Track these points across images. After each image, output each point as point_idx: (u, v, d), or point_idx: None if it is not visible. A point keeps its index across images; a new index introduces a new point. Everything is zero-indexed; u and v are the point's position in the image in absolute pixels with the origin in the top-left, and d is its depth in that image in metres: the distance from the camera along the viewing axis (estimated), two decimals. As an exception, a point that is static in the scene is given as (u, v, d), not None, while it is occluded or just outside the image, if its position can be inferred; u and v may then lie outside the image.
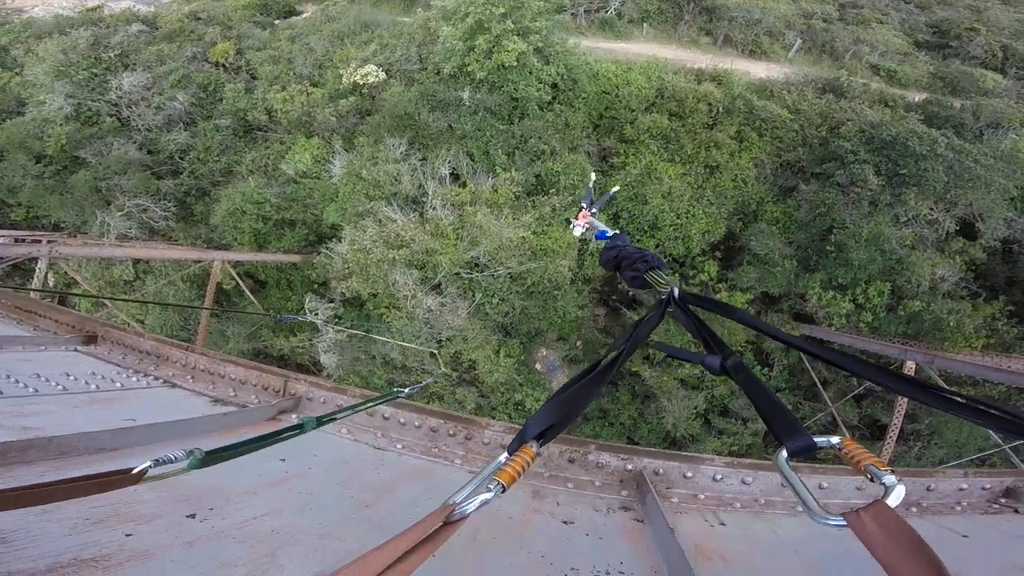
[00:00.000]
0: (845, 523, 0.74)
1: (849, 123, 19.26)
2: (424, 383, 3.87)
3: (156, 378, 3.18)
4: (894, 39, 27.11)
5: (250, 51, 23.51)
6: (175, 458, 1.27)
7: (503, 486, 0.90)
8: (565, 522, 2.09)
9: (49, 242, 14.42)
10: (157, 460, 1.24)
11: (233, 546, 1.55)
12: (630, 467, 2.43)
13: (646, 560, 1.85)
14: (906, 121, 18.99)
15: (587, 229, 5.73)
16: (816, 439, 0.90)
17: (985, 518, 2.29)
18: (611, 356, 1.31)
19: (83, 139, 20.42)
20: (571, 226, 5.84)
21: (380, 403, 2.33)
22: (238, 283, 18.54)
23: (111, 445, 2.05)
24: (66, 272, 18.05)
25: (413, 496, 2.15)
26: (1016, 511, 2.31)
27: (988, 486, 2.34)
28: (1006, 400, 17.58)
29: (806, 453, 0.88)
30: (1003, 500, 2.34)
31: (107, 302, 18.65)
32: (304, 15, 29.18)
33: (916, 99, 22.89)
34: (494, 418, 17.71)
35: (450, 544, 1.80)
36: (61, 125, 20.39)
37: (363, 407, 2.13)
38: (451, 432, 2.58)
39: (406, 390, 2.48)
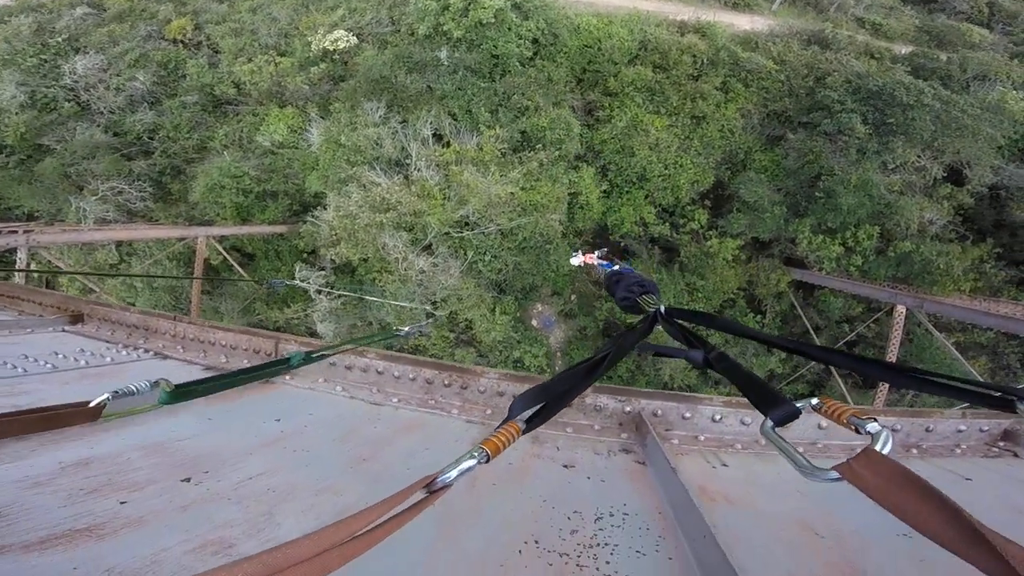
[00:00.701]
0: (839, 476, 0.76)
1: (835, 74, 19.28)
2: (425, 323, 3.86)
3: (146, 351, 3.13)
4: None
5: (209, 25, 22.50)
6: (137, 389, 1.22)
7: (488, 454, 0.90)
8: (566, 466, 2.10)
9: (25, 231, 14.07)
10: (116, 392, 1.19)
11: (229, 507, 1.54)
12: (628, 409, 2.43)
13: (649, 501, 1.86)
14: (892, 72, 19.11)
15: (587, 265, 6.62)
16: (797, 403, 0.93)
17: (985, 461, 2.30)
18: (598, 356, 1.32)
19: (43, 126, 19.81)
20: (572, 255, 6.70)
21: (378, 340, 2.31)
22: (225, 257, 18.34)
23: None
24: (49, 261, 17.73)
25: (411, 448, 2.15)
26: (1016, 455, 2.33)
27: (986, 428, 2.34)
28: (995, 346, 18.13)
29: (790, 420, 0.92)
30: (1001, 443, 2.36)
31: (96, 287, 18.43)
32: None
33: (902, 52, 22.92)
34: (492, 376, 18.03)
35: (449, 492, 1.81)
36: (17, 114, 19.67)
37: (360, 342, 2.10)
38: (446, 382, 2.56)
39: (406, 328, 2.44)
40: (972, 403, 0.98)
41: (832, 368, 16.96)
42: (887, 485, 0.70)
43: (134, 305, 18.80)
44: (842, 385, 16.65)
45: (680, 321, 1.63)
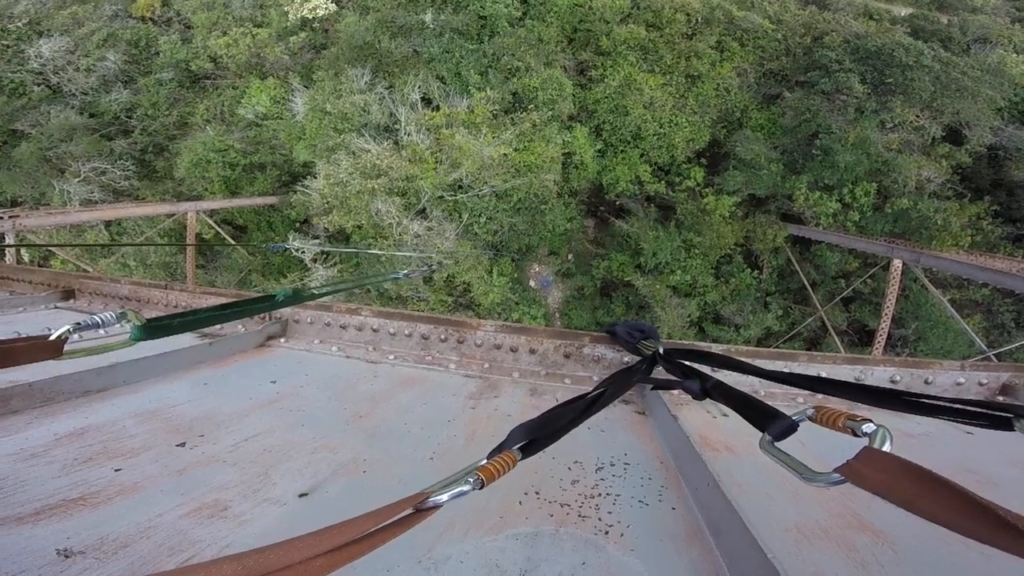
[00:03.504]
0: (842, 478, 0.77)
1: (833, 34, 19.13)
2: (429, 266, 3.82)
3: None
4: None
5: (177, 1, 21.78)
6: (102, 321, 1.18)
7: (483, 481, 0.88)
8: None
9: (11, 216, 13.89)
10: (79, 323, 1.15)
11: (224, 469, 1.53)
12: (627, 360, 2.41)
13: (651, 450, 1.86)
14: (891, 33, 18.89)
15: None
16: (793, 416, 0.97)
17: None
18: (597, 392, 1.38)
19: (14, 112, 19.33)
20: None
21: (376, 281, 2.27)
22: (217, 231, 18.17)
23: (98, 386, 2.01)
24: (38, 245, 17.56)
25: (409, 402, 2.14)
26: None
27: (985, 381, 2.31)
28: (990, 303, 18.11)
29: (788, 434, 0.97)
30: (1001, 398, 2.33)
31: (88, 267, 18.26)
32: None
33: (902, 13, 22.66)
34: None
35: (448, 447, 1.82)
36: None
37: (355, 285, 2.06)
38: (443, 337, 2.54)
39: (404, 271, 2.40)
40: (970, 423, 0.97)
41: (828, 325, 17.15)
42: (891, 480, 0.71)
43: (131, 275, 18.74)
44: (838, 342, 16.82)
45: (679, 360, 1.74)
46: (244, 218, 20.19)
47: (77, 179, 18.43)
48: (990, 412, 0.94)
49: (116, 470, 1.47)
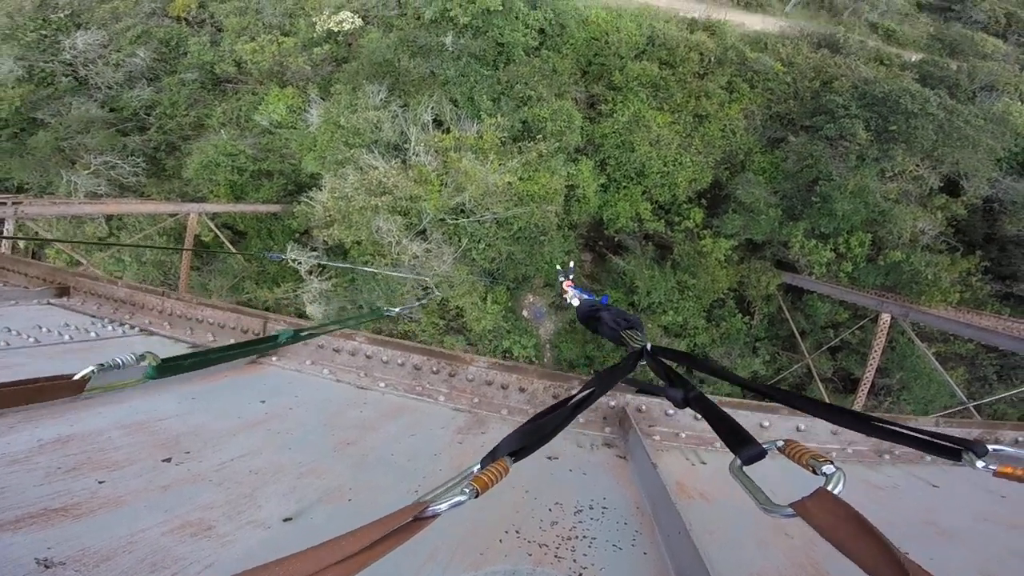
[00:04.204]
0: (795, 513, 0.84)
1: (842, 78, 19.28)
2: (420, 302, 3.83)
3: (132, 327, 3.08)
4: None
5: (213, 3, 22.19)
6: (123, 362, 1.21)
7: (477, 491, 0.93)
8: (549, 457, 2.11)
9: (14, 203, 13.94)
10: (102, 364, 1.18)
11: (210, 488, 1.53)
12: (613, 404, 2.45)
13: (629, 495, 1.89)
14: (900, 79, 19.09)
15: (575, 291, 6.88)
16: (764, 445, 1.03)
17: (955, 469, 2.33)
18: (584, 394, 1.41)
19: (39, 100, 19.55)
20: (565, 298, 6.96)
21: (368, 321, 2.30)
22: (216, 234, 18.18)
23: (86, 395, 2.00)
24: (36, 232, 17.51)
25: (396, 433, 2.15)
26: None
27: (957, 436, 2.36)
28: (974, 357, 18.29)
29: (756, 459, 1.02)
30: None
31: (83, 260, 18.19)
32: None
33: (912, 59, 22.68)
34: (481, 366, 18.06)
35: (433, 481, 1.83)
36: (13, 88, 19.42)
37: (348, 323, 2.09)
38: (435, 369, 2.56)
39: (396, 309, 2.43)
40: (925, 451, 1.04)
41: (814, 373, 17.23)
42: (834, 522, 0.78)
43: (122, 277, 18.69)
44: (822, 389, 16.90)
45: (664, 359, 1.74)
46: (245, 224, 20.23)
47: (87, 171, 18.49)
48: (944, 443, 1.01)
49: (100, 482, 1.46)
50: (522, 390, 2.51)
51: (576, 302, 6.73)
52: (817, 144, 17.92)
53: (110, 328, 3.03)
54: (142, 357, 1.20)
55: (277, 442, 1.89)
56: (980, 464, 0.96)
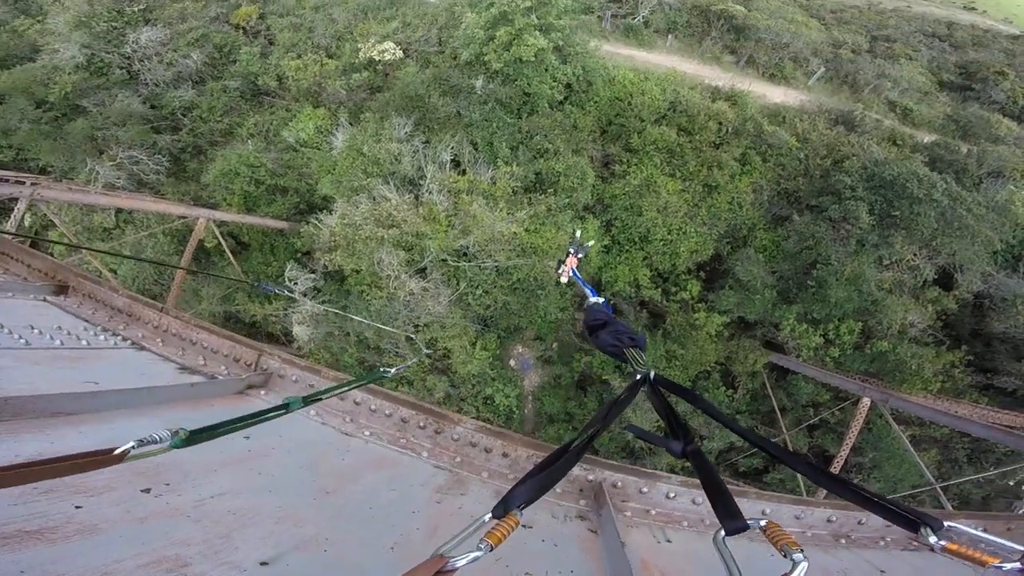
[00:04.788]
0: None
1: (854, 158, 19.45)
2: (409, 363, 3.83)
3: (124, 338, 3.05)
4: (918, 76, 27.17)
5: (273, 16, 23.25)
6: (159, 438, 1.24)
7: (491, 546, 0.97)
8: (524, 526, 2.10)
9: (33, 184, 14.12)
10: (141, 440, 1.22)
11: (187, 525, 1.52)
12: (591, 478, 2.46)
13: (596, 569, 1.90)
14: (910, 161, 19.20)
15: (569, 277, 6.26)
16: (748, 521, 1.07)
17: (904, 554, 2.43)
18: (588, 434, 1.45)
19: (89, 88, 20.15)
20: (559, 271, 6.35)
21: (367, 383, 2.31)
22: (220, 243, 18.25)
23: (70, 409, 1.95)
24: (44, 214, 17.56)
25: (376, 485, 2.14)
26: (932, 550, 2.38)
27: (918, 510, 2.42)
28: (947, 440, 18.42)
29: (739, 532, 1.06)
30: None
31: (82, 247, 18.15)
32: None
33: (925, 140, 22.93)
34: (461, 409, 17.78)
35: (409, 539, 1.81)
36: (70, 74, 20.12)
37: (351, 387, 2.10)
38: (421, 424, 2.56)
39: (392, 370, 2.44)
40: (890, 520, 1.09)
41: (790, 448, 17.07)
42: None
43: (116, 272, 18.58)
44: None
45: (664, 392, 1.74)
46: (249, 236, 20.33)
47: (111, 162, 18.83)
48: (905, 514, 1.07)
49: (77, 507, 1.44)
50: (505, 455, 2.51)
51: (564, 279, 6.28)
52: (820, 225, 18.18)
53: (102, 338, 3.00)
54: (176, 433, 1.24)
55: (258, 483, 1.88)
56: (933, 539, 1.00)
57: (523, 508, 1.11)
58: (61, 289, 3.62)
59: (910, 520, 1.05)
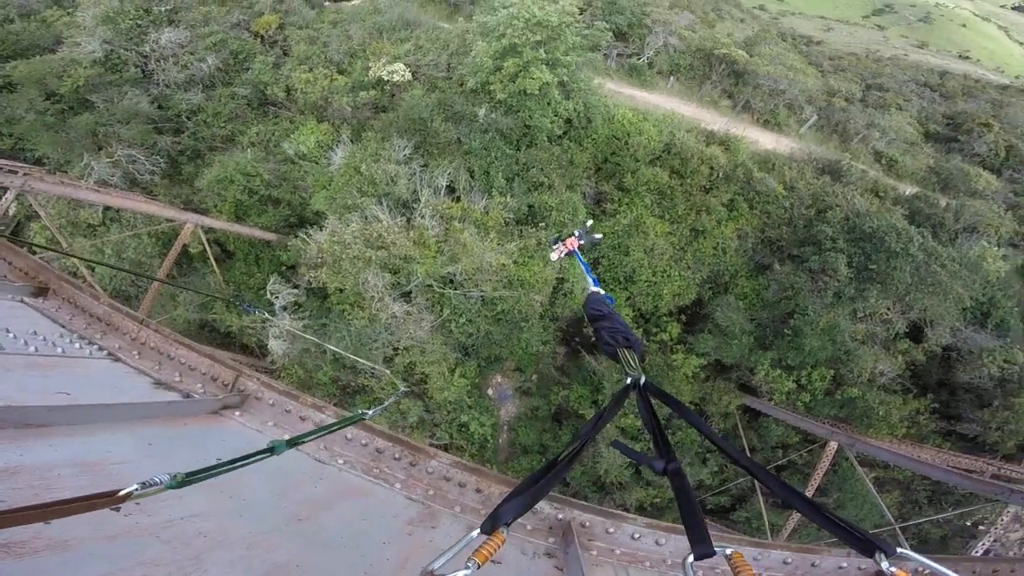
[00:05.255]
0: None
1: (837, 208, 20.12)
2: (387, 403, 3.81)
3: (100, 348, 2.99)
4: (906, 126, 28.09)
5: (291, 27, 23.54)
6: (161, 481, 1.28)
7: (478, 564, 1.00)
8: (494, 561, 2.12)
9: (25, 174, 14.01)
10: (144, 483, 1.25)
11: (156, 545, 1.51)
12: (561, 516, 2.50)
13: None
14: (890, 214, 19.98)
15: (564, 255, 6.17)
16: (716, 548, 1.12)
17: None
18: (574, 447, 1.47)
19: (101, 84, 20.13)
20: (553, 246, 6.17)
21: (348, 424, 2.32)
22: (205, 249, 18.05)
23: (41, 421, 1.91)
24: (30, 205, 17.28)
25: (349, 516, 2.14)
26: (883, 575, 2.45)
27: (863, 567, 2.48)
28: (909, 482, 19.12)
29: (707, 557, 1.11)
30: None
31: (60, 240, 17.89)
32: (354, 2, 29.39)
33: (907, 192, 23.73)
34: (435, 435, 17.53)
35: (380, 570, 1.81)
36: (86, 68, 20.09)
37: (334, 428, 2.12)
38: (396, 456, 2.56)
39: (371, 411, 2.46)
40: (848, 544, 1.16)
41: (757, 487, 17.34)
42: None
43: (93, 270, 18.20)
44: (762, 502, 17.11)
45: (654, 397, 1.76)
46: (236, 245, 20.15)
47: (108, 159, 18.67)
48: (862, 536, 1.13)
49: (46, 523, 1.43)
50: (479, 491, 2.53)
51: (554, 256, 6.13)
52: (800, 276, 18.78)
53: (77, 346, 2.94)
54: (175, 476, 1.28)
55: (229, 506, 1.88)
56: (885, 564, 1.05)
57: (510, 525, 1.13)
58: (41, 291, 3.51)
59: (867, 544, 1.11)
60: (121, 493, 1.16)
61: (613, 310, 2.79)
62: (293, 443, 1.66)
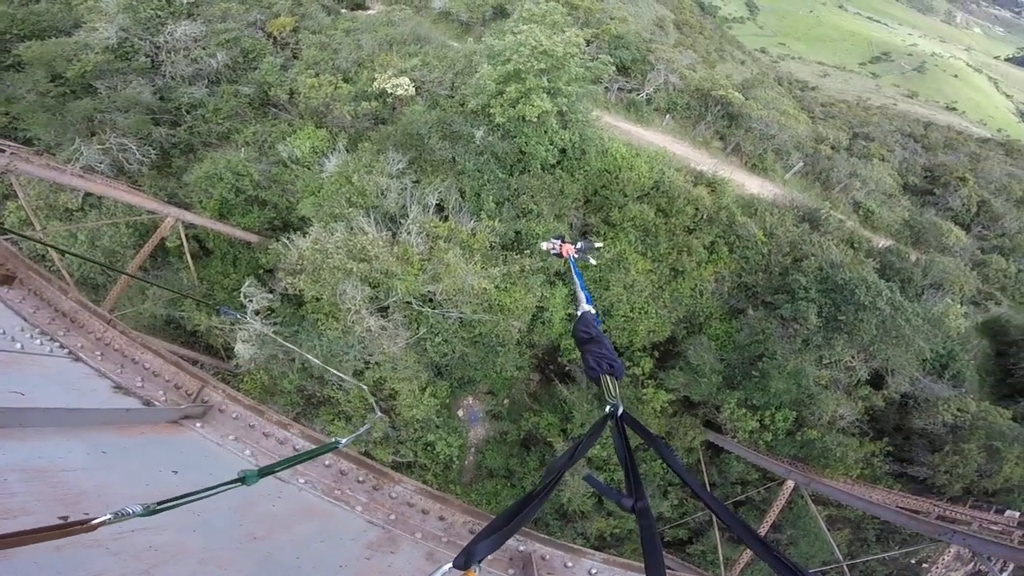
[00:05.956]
0: None
1: (812, 257, 20.91)
2: (360, 431, 3.76)
3: (62, 346, 2.87)
4: (887, 177, 29.12)
5: (305, 31, 23.73)
6: (133, 512, 1.25)
7: None
8: None
9: (12, 153, 13.71)
10: (117, 514, 1.22)
11: (105, 557, 1.46)
12: (522, 548, 2.49)
13: None
14: (862, 267, 20.85)
15: (554, 254, 5.95)
16: None
17: None
18: (549, 481, 1.46)
19: (108, 71, 20.10)
20: (547, 246, 5.85)
21: (321, 453, 2.28)
22: (183, 244, 17.70)
23: None
24: (10, 184, 16.80)
25: (306, 537, 2.09)
26: None
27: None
28: (860, 522, 19.83)
29: None
30: None
31: (34, 222, 17.38)
32: (370, 12, 29.60)
33: (880, 245, 24.62)
34: (399, 452, 17.20)
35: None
36: (97, 53, 20.04)
37: (304, 458, 2.08)
38: (360, 479, 2.53)
39: (344, 440, 2.43)
40: (782, 571, 1.20)
41: (714, 521, 17.63)
42: None
43: (64, 256, 17.66)
44: (718, 536, 17.38)
45: (630, 428, 1.78)
46: (215, 243, 19.80)
47: (100, 146, 18.37)
48: (793, 568, 1.15)
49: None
50: (442, 519, 2.50)
51: (545, 246, 5.80)
52: (771, 322, 19.36)
53: (38, 342, 2.81)
54: (148, 507, 1.25)
55: (183, 520, 1.82)
56: None
57: (481, 562, 1.12)
58: (7, 279, 3.37)
59: (799, 571, 1.15)
60: (94, 522, 1.14)
61: (601, 333, 2.81)
62: (264, 473, 1.64)
